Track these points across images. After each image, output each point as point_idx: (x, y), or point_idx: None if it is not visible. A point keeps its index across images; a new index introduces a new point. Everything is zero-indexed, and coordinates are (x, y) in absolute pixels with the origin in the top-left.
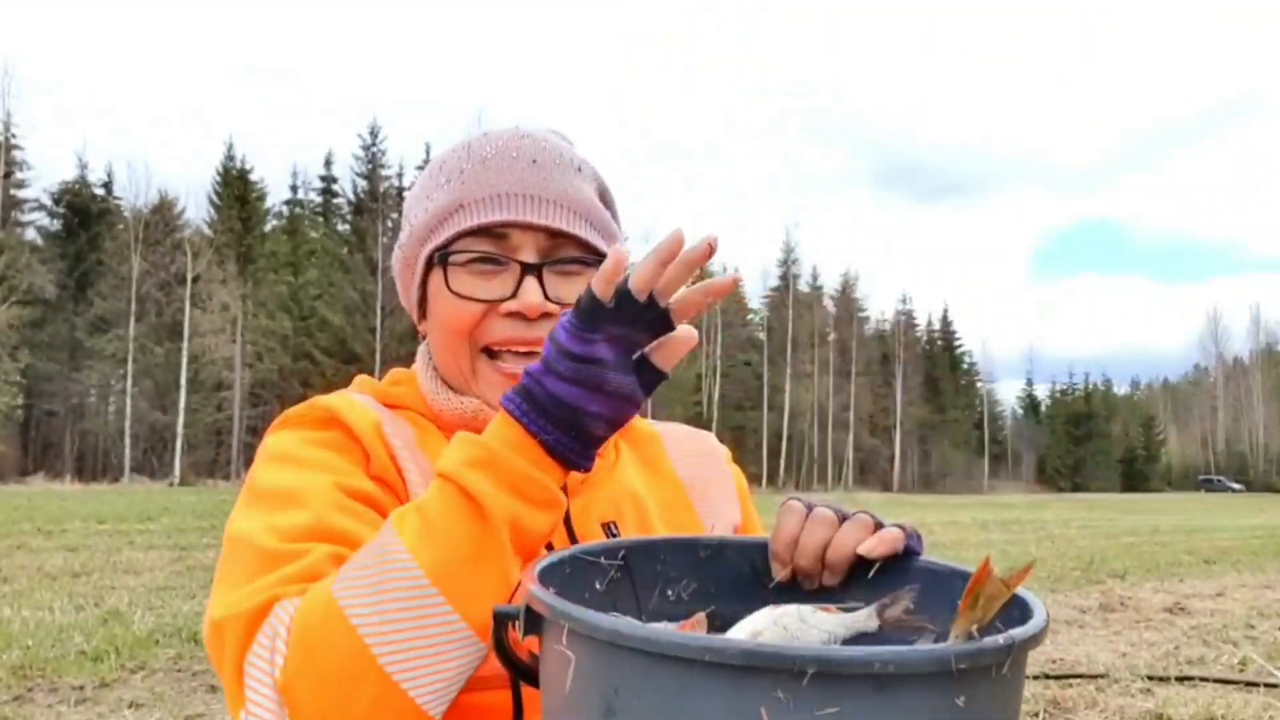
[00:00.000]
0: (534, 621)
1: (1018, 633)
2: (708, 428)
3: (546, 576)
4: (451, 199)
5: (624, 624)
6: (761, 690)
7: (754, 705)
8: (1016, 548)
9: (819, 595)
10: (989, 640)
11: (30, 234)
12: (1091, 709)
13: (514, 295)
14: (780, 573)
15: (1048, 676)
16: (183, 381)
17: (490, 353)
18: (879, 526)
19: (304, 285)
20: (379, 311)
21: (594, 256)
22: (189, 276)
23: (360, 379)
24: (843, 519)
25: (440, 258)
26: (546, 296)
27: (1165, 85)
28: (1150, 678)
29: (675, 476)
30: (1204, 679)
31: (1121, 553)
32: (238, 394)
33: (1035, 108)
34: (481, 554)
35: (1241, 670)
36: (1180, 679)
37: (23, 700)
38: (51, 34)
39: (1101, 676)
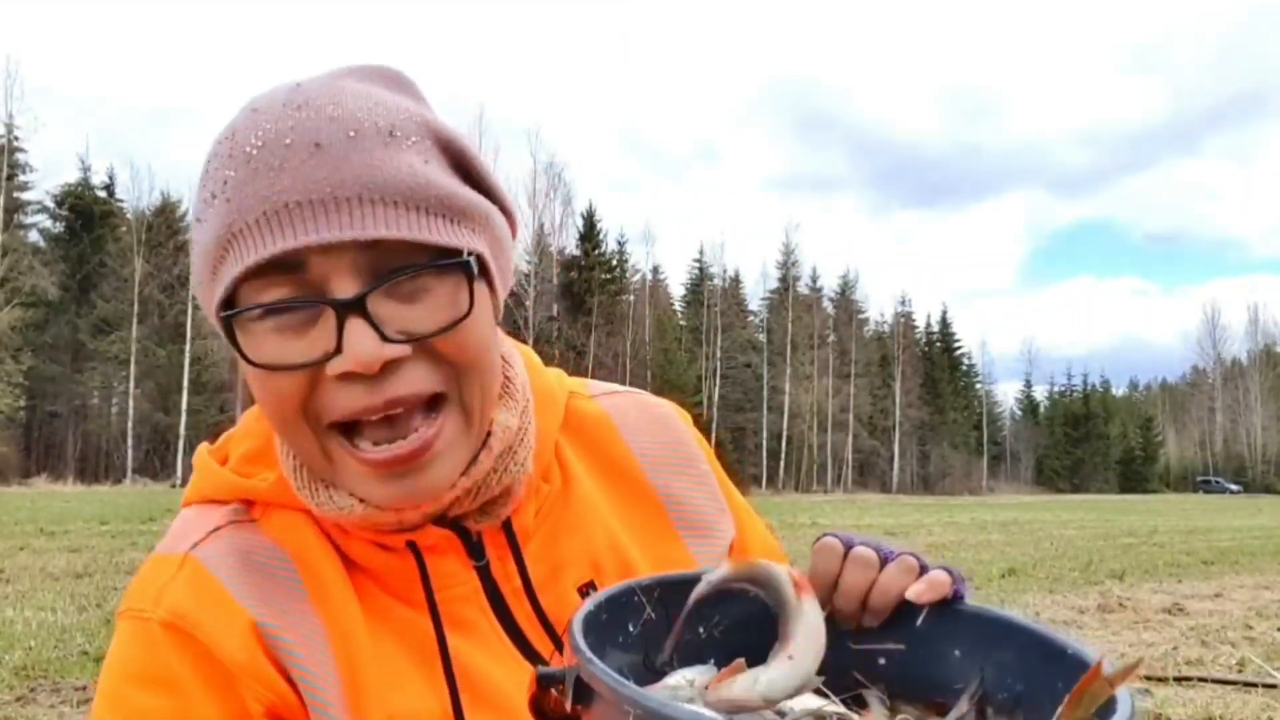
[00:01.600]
0: (585, 693)
1: None
2: (707, 429)
3: (588, 630)
4: (220, 224)
5: (693, 716)
6: None
7: None
8: (1015, 549)
9: (857, 636)
10: None
11: (33, 236)
12: None
13: (338, 350)
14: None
15: None
16: (185, 383)
17: (344, 429)
18: (924, 569)
19: None
20: None
21: (441, 256)
22: (191, 278)
23: (206, 471)
24: (884, 559)
25: (226, 324)
26: (384, 337)
27: (1164, 85)
28: (1148, 678)
29: (641, 475)
30: (1202, 679)
31: (1120, 554)
32: (240, 395)
33: (1034, 108)
34: None
35: (1240, 671)
36: (1178, 679)
37: (25, 701)
38: (54, 36)
39: None
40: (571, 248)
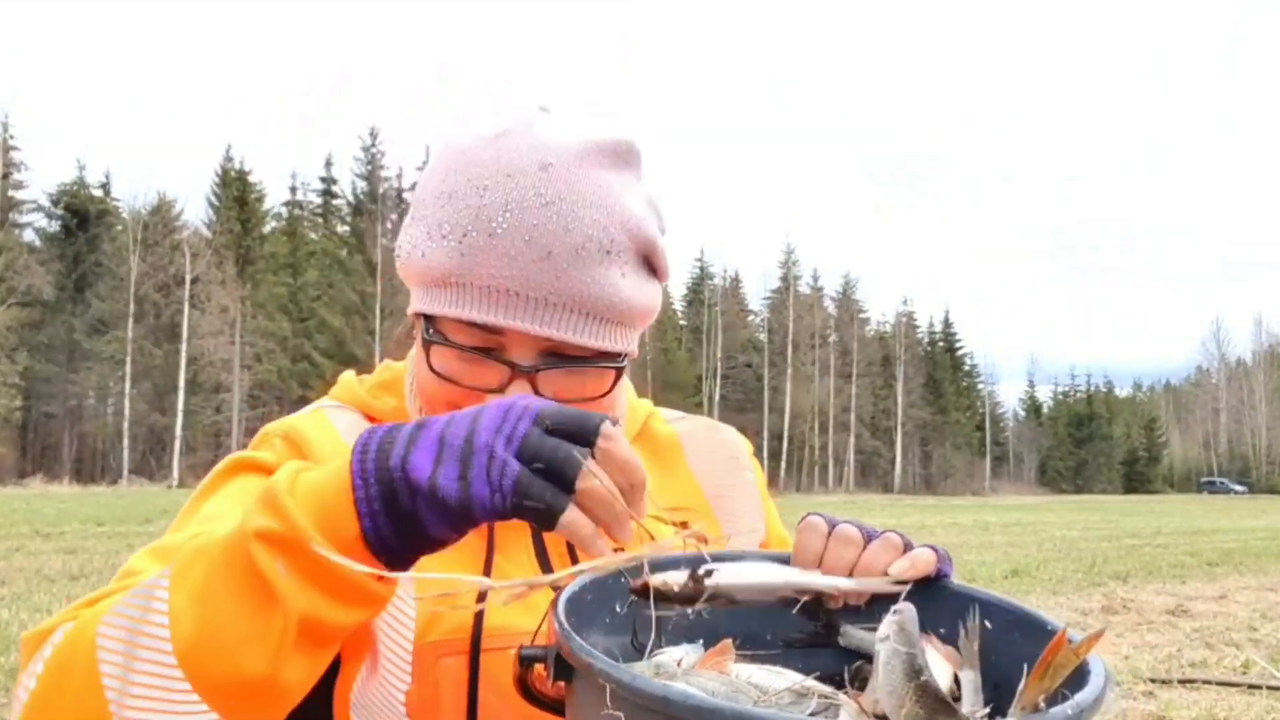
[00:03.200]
0: (565, 669)
1: (1083, 699)
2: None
3: (572, 610)
4: (449, 266)
5: (674, 692)
6: None
7: None
8: (1018, 550)
9: (845, 615)
10: (1057, 710)
11: (28, 235)
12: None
13: (500, 389)
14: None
15: None
16: (181, 383)
17: None
18: (909, 547)
19: (303, 287)
20: (378, 313)
21: (604, 357)
22: (187, 278)
23: (345, 380)
24: (869, 538)
25: (426, 334)
26: (538, 394)
27: (1170, 85)
28: (1153, 680)
29: (695, 484)
30: (1206, 681)
31: (1123, 555)
32: (236, 396)
33: (1038, 107)
34: (250, 641)
35: (1244, 673)
36: (1183, 681)
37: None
38: (50, 35)
39: None
40: None
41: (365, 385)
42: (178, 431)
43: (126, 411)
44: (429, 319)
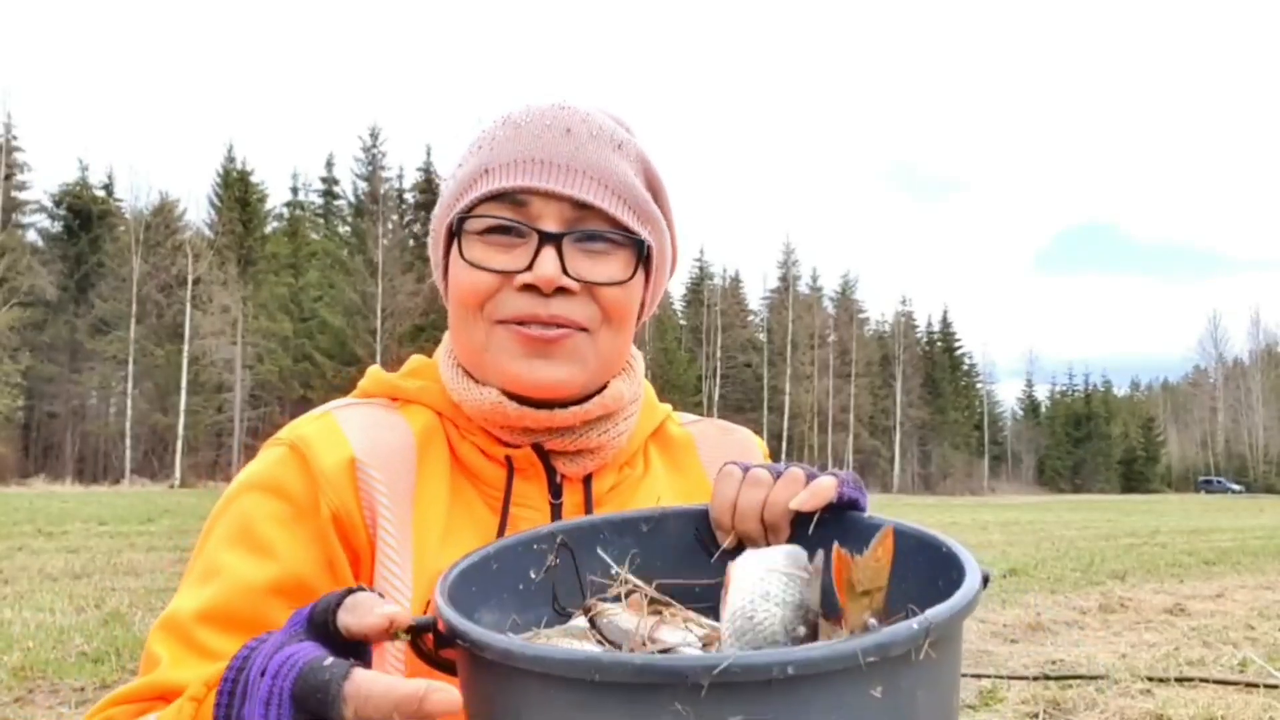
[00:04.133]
0: (444, 636)
1: (934, 614)
2: (683, 414)
3: (469, 578)
4: (477, 164)
5: (515, 644)
6: (659, 705)
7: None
8: (1016, 549)
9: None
10: (900, 628)
11: (31, 236)
12: (1091, 710)
13: (529, 267)
14: (725, 539)
15: (1048, 677)
16: (183, 383)
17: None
18: (812, 479)
19: (304, 287)
20: (379, 313)
21: (624, 235)
22: (189, 278)
23: (372, 374)
24: (777, 476)
25: (458, 224)
26: (565, 271)
27: (1166, 85)
28: (1150, 679)
29: (708, 483)
30: (1204, 680)
31: (1121, 554)
32: (238, 396)
33: (1036, 108)
34: None
35: (1241, 671)
36: (1180, 680)
37: (24, 702)
38: (52, 36)
39: (1101, 677)
40: None
41: (396, 374)
42: (180, 431)
43: (129, 411)
44: (460, 220)
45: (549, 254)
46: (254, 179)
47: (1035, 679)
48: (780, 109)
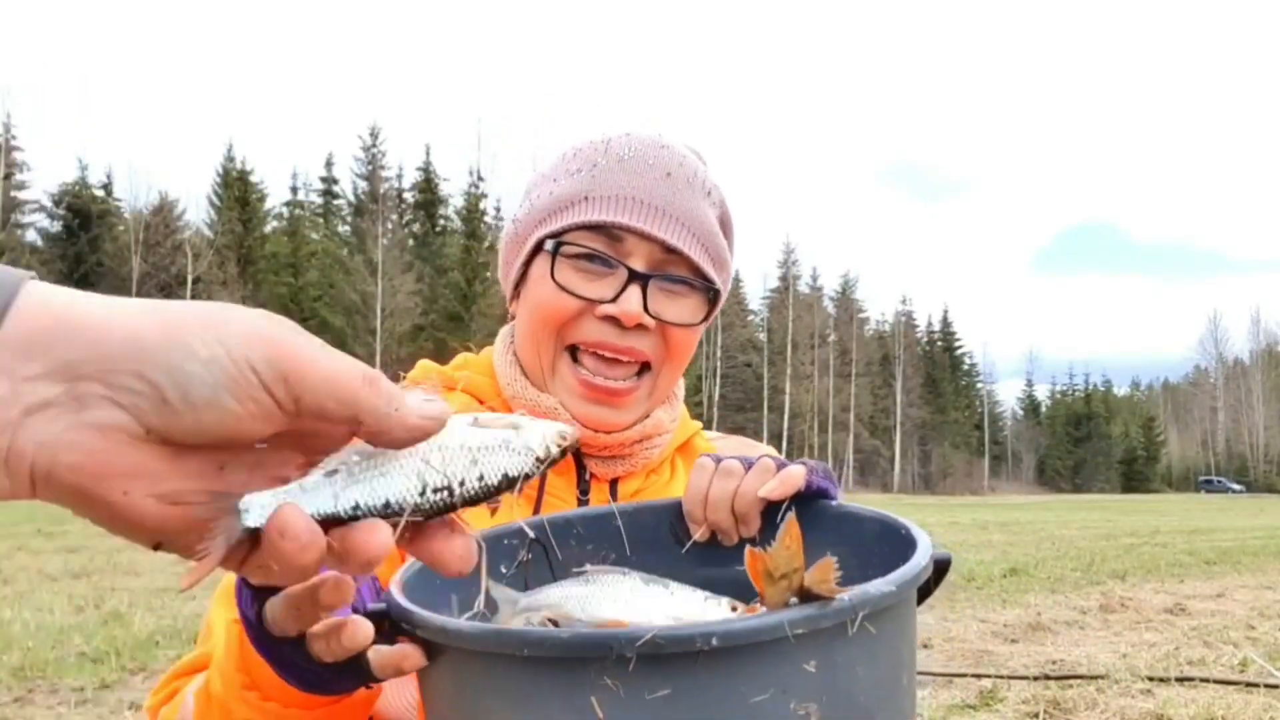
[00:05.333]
0: (395, 622)
1: (867, 589)
2: (706, 430)
3: (431, 571)
4: (578, 188)
5: (451, 622)
6: (588, 679)
7: (585, 695)
8: (1017, 549)
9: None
10: (833, 604)
11: (30, 235)
12: (1092, 710)
13: (614, 299)
14: (698, 532)
15: (1048, 677)
16: None
17: (573, 353)
18: (782, 468)
19: (304, 287)
20: (379, 313)
21: (701, 281)
22: (189, 278)
23: (421, 364)
24: (749, 467)
25: (553, 245)
26: (646, 309)
27: (1166, 85)
28: (1150, 679)
29: None
30: (1204, 680)
31: (1122, 554)
32: None
33: (1037, 108)
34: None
35: (1242, 671)
36: (1180, 680)
37: (23, 702)
38: (52, 37)
39: (1102, 677)
40: None
41: (446, 365)
42: None
43: None
44: (554, 238)
45: (635, 292)
46: (253, 178)
47: (1035, 679)
48: (780, 108)
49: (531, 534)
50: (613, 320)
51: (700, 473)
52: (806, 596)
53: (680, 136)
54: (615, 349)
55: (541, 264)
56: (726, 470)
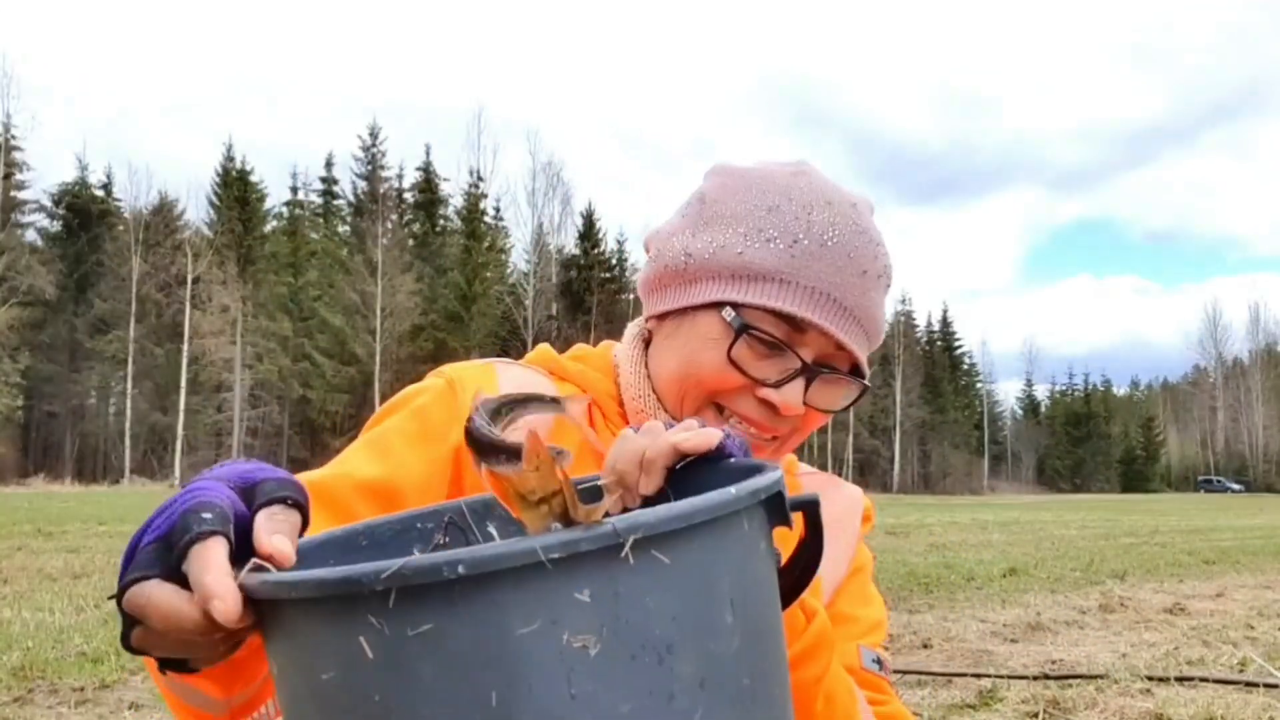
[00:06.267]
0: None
1: (642, 514)
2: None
3: (327, 550)
4: (777, 264)
5: (252, 577)
6: (354, 618)
7: (353, 636)
8: (1016, 548)
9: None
10: (596, 529)
11: (30, 235)
12: (1091, 709)
13: (777, 386)
14: (610, 495)
15: (1047, 677)
16: (183, 382)
17: (719, 408)
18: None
19: (304, 286)
20: (379, 313)
21: (857, 376)
22: (189, 278)
23: (541, 348)
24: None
25: (738, 324)
26: (805, 400)
27: (1164, 81)
28: (1150, 678)
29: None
30: (1204, 679)
31: (1121, 553)
32: (238, 395)
33: (1033, 104)
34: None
35: (1241, 671)
36: (1180, 679)
37: (23, 702)
38: (51, 35)
39: (1101, 677)
40: (571, 247)
41: (563, 354)
42: (179, 431)
43: (128, 411)
44: (736, 308)
45: (799, 385)
46: (253, 178)
47: (1035, 678)
48: (780, 108)
49: (447, 517)
50: (770, 405)
51: (621, 438)
52: (571, 523)
53: (853, 188)
54: (764, 428)
55: (714, 326)
56: (647, 429)
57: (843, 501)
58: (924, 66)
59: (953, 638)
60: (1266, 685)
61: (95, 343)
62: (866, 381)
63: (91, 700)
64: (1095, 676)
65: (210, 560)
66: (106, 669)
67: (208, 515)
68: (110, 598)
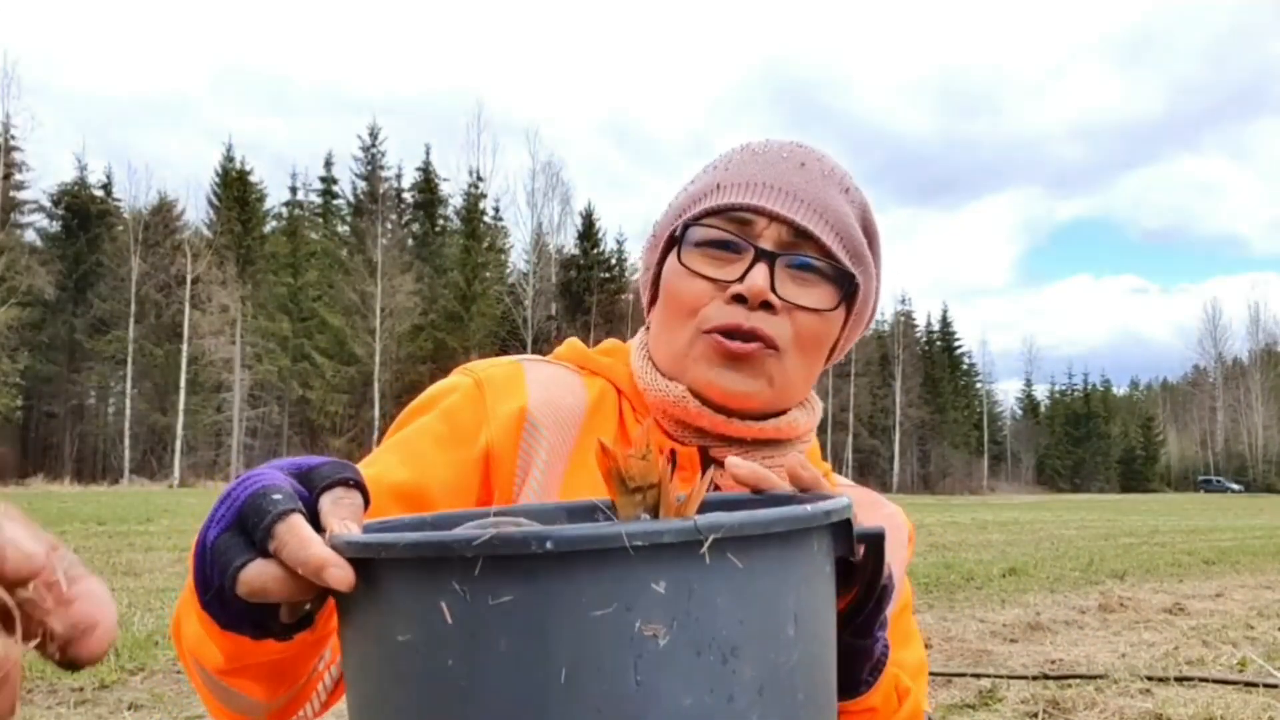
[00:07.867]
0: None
1: (724, 515)
2: (836, 474)
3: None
4: (710, 181)
5: (341, 535)
6: (438, 583)
7: (435, 600)
8: (1016, 548)
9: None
10: (680, 523)
11: (29, 235)
12: (1091, 709)
13: (741, 279)
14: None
15: (1047, 677)
16: (182, 383)
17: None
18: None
19: (303, 287)
20: (378, 313)
21: (832, 267)
22: (188, 278)
23: (570, 342)
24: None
25: (682, 231)
26: (773, 288)
27: (1164, 81)
28: (1149, 678)
29: None
30: (1203, 679)
31: (1121, 553)
32: (237, 395)
33: (1032, 104)
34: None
35: (1241, 670)
36: (1179, 679)
37: (22, 702)
38: (50, 35)
39: (1101, 677)
40: (570, 247)
41: (593, 347)
42: (178, 431)
43: (127, 411)
44: (684, 227)
45: (761, 270)
46: (253, 178)
47: (1035, 678)
48: (780, 107)
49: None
50: (741, 300)
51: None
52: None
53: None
54: (743, 330)
55: (673, 260)
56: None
57: (889, 518)
58: (923, 65)
59: (952, 637)
60: (1266, 685)
61: (95, 343)
62: (853, 274)
63: (91, 700)
64: (1095, 676)
65: (305, 534)
66: (105, 669)
67: (277, 496)
68: (210, 592)
